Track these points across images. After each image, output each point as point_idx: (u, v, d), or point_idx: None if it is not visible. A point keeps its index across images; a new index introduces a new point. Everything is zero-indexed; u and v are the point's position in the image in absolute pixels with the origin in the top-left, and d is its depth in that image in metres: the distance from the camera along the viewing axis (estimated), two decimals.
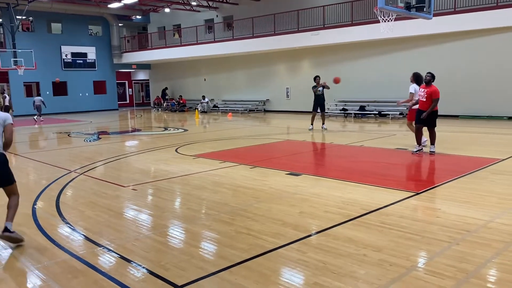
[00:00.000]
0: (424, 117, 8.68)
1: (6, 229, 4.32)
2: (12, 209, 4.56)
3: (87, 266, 3.87)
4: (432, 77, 8.85)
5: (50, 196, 6.54)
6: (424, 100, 8.82)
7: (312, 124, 14.59)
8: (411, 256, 3.88)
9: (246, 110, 25.56)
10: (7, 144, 4.57)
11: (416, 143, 9.22)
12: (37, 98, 22.54)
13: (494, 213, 5.05)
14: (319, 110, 14.42)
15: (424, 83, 8.97)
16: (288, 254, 4.01)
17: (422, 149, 9.20)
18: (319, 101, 14.37)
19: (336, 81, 13.55)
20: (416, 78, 9.62)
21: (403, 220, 4.88)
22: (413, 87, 9.66)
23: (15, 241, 4.43)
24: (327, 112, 14.56)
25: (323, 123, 14.61)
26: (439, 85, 9.15)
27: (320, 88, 14.17)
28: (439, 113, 9.13)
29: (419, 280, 3.40)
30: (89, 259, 4.04)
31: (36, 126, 20.44)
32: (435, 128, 8.98)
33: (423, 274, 3.51)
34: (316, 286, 3.35)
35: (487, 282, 3.37)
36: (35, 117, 22.18)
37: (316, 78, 14.33)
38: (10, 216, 4.50)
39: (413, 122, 9.26)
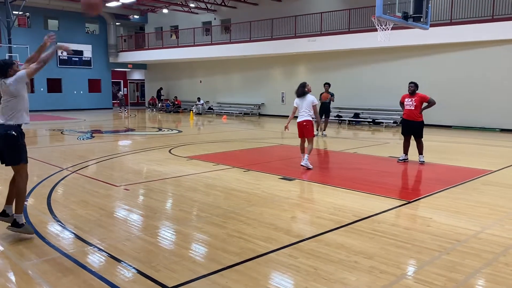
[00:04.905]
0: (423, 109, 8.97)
1: (14, 223, 4.28)
2: (16, 197, 4.45)
3: (76, 265, 3.84)
4: (416, 86, 9.08)
5: (42, 193, 6.49)
6: (413, 108, 8.95)
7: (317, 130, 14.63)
8: (401, 264, 3.90)
9: (241, 113, 25.58)
10: (44, 62, 4.38)
11: (403, 153, 9.39)
12: (120, 93, 28.68)
13: (484, 223, 5.09)
14: (323, 117, 14.50)
15: (408, 93, 9.09)
16: (279, 258, 4.01)
17: (407, 158, 9.30)
18: (324, 107, 14.54)
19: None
20: None
21: (394, 228, 4.90)
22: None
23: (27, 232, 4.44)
24: (323, 119, 14.64)
25: (323, 129, 14.64)
26: (433, 94, 9.29)
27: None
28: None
29: None
30: (79, 258, 4.01)
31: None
32: (422, 138, 9.12)
33: (413, 282, 3.53)
34: None
35: None
36: (119, 109, 27.87)
37: (325, 86, 14.49)
38: (18, 208, 4.40)
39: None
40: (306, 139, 8.62)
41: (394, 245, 4.34)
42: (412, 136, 9.20)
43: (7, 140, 4.28)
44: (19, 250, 4.21)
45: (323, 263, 3.89)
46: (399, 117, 18.60)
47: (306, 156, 8.50)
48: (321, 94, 14.45)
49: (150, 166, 8.90)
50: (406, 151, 9.34)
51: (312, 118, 8.50)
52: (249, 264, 3.88)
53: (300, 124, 8.56)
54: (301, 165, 8.46)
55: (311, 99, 8.48)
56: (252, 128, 18.22)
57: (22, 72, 4.37)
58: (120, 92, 28.36)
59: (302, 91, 8.52)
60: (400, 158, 9.41)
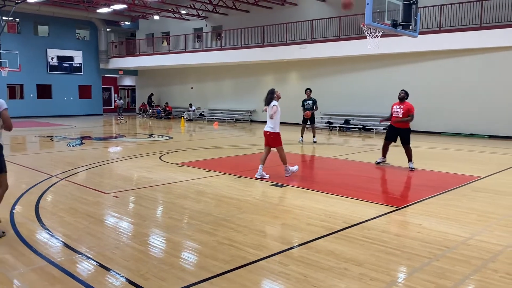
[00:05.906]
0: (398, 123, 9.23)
1: None
2: None
3: (65, 274, 3.79)
4: (406, 94, 9.27)
5: (30, 200, 6.42)
6: (400, 116, 9.12)
7: (302, 137, 14.60)
8: (391, 271, 3.91)
9: (233, 119, 25.57)
10: (8, 130, 4.68)
11: (381, 155, 9.72)
12: (119, 102, 29.63)
13: (473, 230, 5.12)
14: (309, 123, 14.38)
15: (398, 100, 9.24)
16: (269, 266, 4.00)
17: (385, 161, 9.46)
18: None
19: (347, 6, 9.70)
20: None
21: (384, 234, 4.91)
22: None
23: None
24: (309, 126, 14.67)
25: (313, 136, 14.66)
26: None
27: (310, 102, 14.24)
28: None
29: None
30: (67, 266, 3.96)
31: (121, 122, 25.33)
32: (410, 144, 9.22)
33: None
34: None
35: None
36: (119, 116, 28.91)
37: (307, 91, 14.42)
38: None
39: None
40: (275, 148, 8.30)
41: (384, 252, 4.35)
42: (393, 142, 9.45)
43: None
44: (5, 259, 4.14)
45: (313, 270, 3.88)
46: (389, 123, 18.75)
47: (285, 167, 8.32)
48: (304, 108, 14.28)
49: (140, 173, 8.85)
50: (384, 154, 9.63)
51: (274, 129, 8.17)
52: (239, 271, 3.87)
53: (264, 133, 8.36)
54: (286, 176, 8.32)
55: (271, 105, 8.14)
56: (243, 135, 18.22)
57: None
58: (121, 101, 30.07)
59: (271, 97, 8.17)
60: (377, 161, 9.59)
